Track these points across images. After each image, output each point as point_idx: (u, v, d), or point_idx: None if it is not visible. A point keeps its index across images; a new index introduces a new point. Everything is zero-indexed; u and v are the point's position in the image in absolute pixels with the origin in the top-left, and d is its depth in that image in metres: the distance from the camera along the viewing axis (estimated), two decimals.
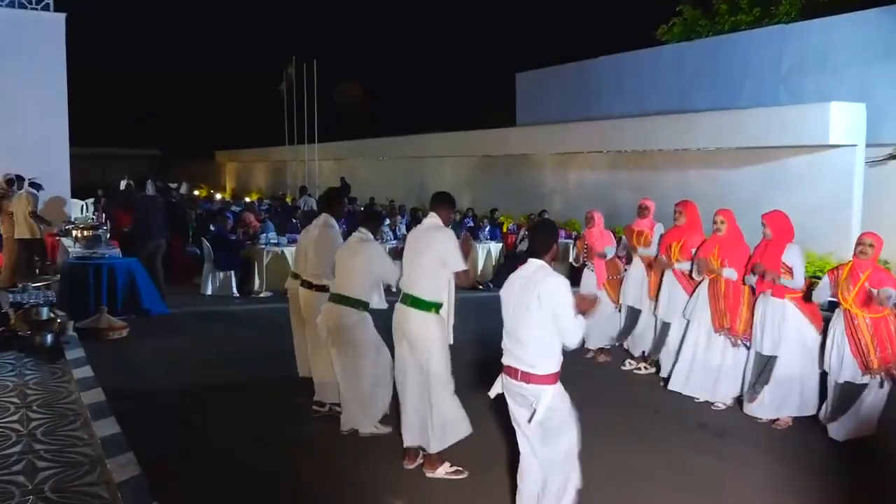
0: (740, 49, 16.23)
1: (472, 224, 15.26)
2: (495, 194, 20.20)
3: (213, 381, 7.34)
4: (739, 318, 6.52)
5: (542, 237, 4.24)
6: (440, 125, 24.60)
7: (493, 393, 4.35)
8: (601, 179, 17.82)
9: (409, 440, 5.21)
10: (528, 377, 4.03)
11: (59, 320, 8.30)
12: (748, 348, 6.50)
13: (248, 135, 35.02)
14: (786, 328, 6.09)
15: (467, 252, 5.38)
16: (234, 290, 12.04)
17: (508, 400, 4.23)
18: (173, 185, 25.88)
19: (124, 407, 6.08)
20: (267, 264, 12.20)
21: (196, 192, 28.23)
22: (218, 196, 28.04)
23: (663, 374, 7.39)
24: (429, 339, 5.04)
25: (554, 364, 4.07)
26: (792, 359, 6.11)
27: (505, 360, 4.20)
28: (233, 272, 12.11)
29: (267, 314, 10.74)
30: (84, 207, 20.07)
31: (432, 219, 5.28)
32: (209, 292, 12.01)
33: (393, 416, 5.71)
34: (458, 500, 4.81)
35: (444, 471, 5.07)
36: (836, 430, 5.79)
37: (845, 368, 5.65)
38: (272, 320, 10.06)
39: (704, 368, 6.71)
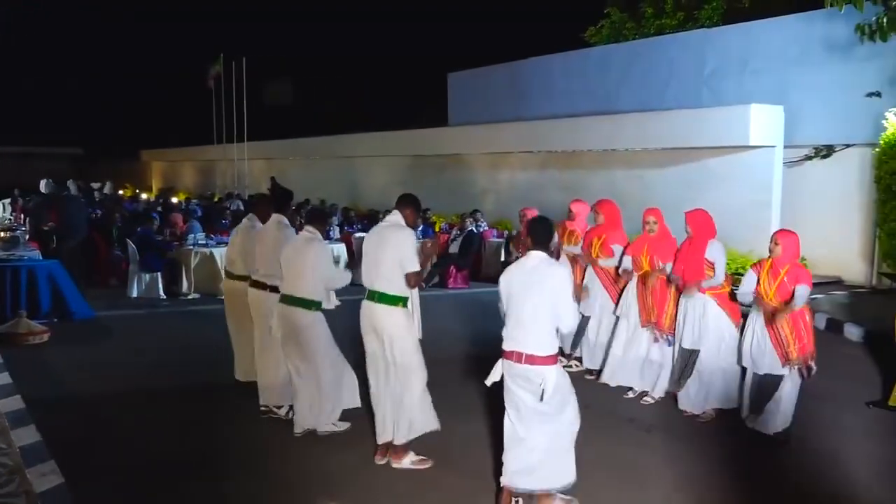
0: (665, 52, 16.62)
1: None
2: (427, 194, 20.07)
3: (142, 386, 7.13)
4: (665, 314, 6.70)
5: (542, 231, 4.55)
6: (372, 125, 24.50)
7: (490, 381, 4.53)
8: (532, 179, 18.03)
9: (383, 437, 5.21)
10: (532, 359, 4.32)
11: None
12: (671, 344, 6.68)
13: (175, 133, 34.22)
14: (706, 323, 6.28)
15: (432, 255, 5.44)
16: (161, 291, 11.77)
17: (510, 384, 4.43)
18: (96, 185, 25.21)
19: (46, 415, 5.89)
20: (195, 266, 11.95)
21: (121, 192, 27.53)
22: (143, 196, 27.36)
23: (590, 366, 7.56)
24: (399, 332, 5.09)
25: (554, 346, 4.39)
26: (712, 354, 6.30)
27: (507, 346, 4.43)
28: (159, 274, 11.83)
29: (196, 316, 10.52)
30: (1, 208, 19.33)
31: (394, 216, 5.29)
32: (135, 294, 11.70)
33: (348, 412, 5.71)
34: (421, 492, 4.81)
35: (409, 461, 5.12)
36: (756, 423, 5.98)
37: (766, 361, 5.84)
38: (201, 322, 9.87)
39: (634, 361, 6.89)
